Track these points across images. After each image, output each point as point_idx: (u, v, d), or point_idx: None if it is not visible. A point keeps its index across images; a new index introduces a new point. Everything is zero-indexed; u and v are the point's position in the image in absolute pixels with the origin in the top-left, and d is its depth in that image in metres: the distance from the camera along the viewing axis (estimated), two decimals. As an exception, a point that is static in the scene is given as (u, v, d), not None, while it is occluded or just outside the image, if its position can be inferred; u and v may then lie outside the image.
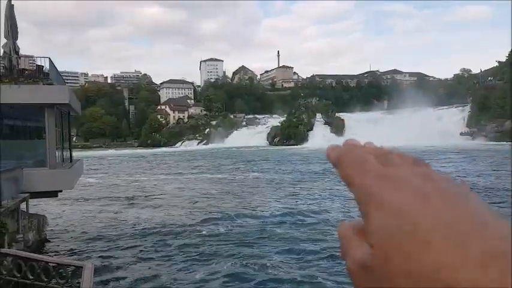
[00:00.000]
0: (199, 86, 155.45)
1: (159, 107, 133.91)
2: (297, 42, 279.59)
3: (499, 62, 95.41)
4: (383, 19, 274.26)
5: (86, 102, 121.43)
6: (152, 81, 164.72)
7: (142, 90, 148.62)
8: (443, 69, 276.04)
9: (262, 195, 16.64)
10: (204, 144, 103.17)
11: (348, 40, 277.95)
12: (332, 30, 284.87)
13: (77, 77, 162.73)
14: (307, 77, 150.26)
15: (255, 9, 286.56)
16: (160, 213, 13.35)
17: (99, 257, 8.74)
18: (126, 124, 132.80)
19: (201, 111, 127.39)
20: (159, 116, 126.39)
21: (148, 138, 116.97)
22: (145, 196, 17.35)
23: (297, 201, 14.59)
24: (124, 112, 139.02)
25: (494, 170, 23.61)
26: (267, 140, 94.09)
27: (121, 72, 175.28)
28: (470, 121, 78.72)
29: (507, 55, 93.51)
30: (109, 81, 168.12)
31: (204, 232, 10.53)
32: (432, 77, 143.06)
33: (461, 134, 75.97)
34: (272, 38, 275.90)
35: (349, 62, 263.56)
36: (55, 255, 8.56)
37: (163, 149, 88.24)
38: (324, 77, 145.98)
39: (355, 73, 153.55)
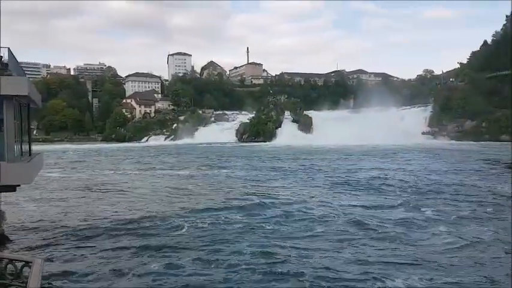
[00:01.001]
0: (166, 80, 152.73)
1: (124, 101, 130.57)
2: (267, 39, 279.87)
3: (460, 63, 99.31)
4: (352, 18, 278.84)
5: (48, 94, 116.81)
6: (117, 74, 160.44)
7: (106, 82, 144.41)
8: (407, 70, 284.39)
9: (230, 191, 16.57)
10: (171, 139, 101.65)
11: (317, 39, 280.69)
12: (302, 29, 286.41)
13: (39, 68, 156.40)
14: (276, 75, 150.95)
15: (226, 4, 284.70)
16: (124, 209, 13.04)
17: (56, 251, 8.44)
18: (90, 117, 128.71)
19: (169, 105, 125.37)
20: (124, 110, 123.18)
21: (113, 133, 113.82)
22: (110, 191, 16.90)
23: (266, 198, 14.60)
24: (87, 105, 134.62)
25: (458, 168, 24.53)
26: (236, 137, 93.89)
27: (84, 64, 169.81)
28: (432, 121, 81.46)
29: (468, 57, 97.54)
30: (72, 73, 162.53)
31: (168, 228, 10.36)
32: (396, 77, 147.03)
33: (423, 133, 78.49)
34: (242, 34, 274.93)
35: (318, 61, 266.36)
36: (11, 251, 8.19)
37: (129, 144, 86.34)
38: (292, 74, 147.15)
39: (323, 72, 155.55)
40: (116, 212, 12.46)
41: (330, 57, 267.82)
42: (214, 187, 17.83)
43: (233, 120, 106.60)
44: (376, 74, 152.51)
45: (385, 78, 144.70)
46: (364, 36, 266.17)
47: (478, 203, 13.02)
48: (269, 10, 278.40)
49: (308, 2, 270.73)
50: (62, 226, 10.64)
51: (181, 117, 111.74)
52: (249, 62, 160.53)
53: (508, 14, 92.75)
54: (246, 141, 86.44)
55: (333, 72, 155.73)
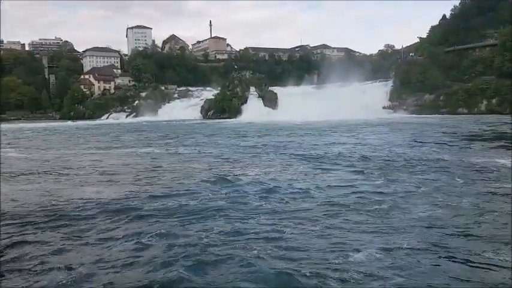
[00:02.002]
0: (126, 55, 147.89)
1: (82, 77, 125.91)
2: (230, 13, 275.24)
3: (420, 38, 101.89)
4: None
5: (1, 71, 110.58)
6: (74, 49, 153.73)
7: (63, 58, 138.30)
8: (369, 45, 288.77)
9: (199, 170, 16.32)
10: (133, 117, 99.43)
11: (281, 13, 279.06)
12: (265, 3, 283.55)
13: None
14: (240, 49, 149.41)
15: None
16: (90, 189, 12.54)
17: (16, 236, 8.00)
18: (46, 95, 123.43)
19: (129, 81, 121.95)
20: (82, 87, 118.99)
21: (71, 110, 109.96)
22: (73, 172, 16.23)
23: (235, 175, 14.49)
24: (43, 82, 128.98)
25: (416, 141, 25.34)
26: (201, 113, 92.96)
27: (40, 39, 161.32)
28: (393, 95, 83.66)
29: (427, 32, 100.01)
30: (27, 48, 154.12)
31: (138, 208, 10.05)
32: (358, 52, 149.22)
33: (384, 107, 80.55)
34: (204, 8, 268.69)
35: (282, 36, 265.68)
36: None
37: (88, 121, 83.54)
38: (257, 49, 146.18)
39: (288, 47, 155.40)
40: (82, 194, 11.96)
41: (294, 32, 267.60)
42: (182, 166, 17.51)
43: (197, 97, 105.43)
44: (339, 49, 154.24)
45: (348, 53, 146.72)
46: (327, 11, 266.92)
47: (448, 174, 13.50)
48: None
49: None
50: (24, 209, 10.09)
51: (143, 94, 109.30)
52: (213, 36, 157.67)
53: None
54: (211, 118, 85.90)
55: (297, 47, 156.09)
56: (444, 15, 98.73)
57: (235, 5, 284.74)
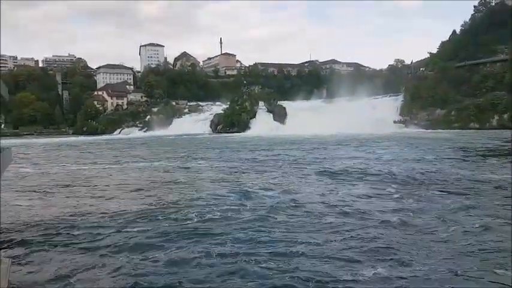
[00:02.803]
0: (139, 72, 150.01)
1: (95, 93, 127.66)
2: (240, 29, 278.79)
3: (430, 53, 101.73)
4: (323, 8, 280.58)
5: (15, 87, 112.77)
6: (88, 66, 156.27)
7: (77, 74, 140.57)
8: (379, 60, 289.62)
9: (210, 183, 16.40)
10: (144, 131, 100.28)
11: (290, 29, 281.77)
12: (274, 18, 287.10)
13: (5, 60, 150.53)
14: (249, 65, 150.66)
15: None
16: (104, 203, 12.68)
17: (28, 251, 8.10)
18: (60, 110, 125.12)
19: (141, 97, 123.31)
20: (95, 102, 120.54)
21: (84, 126, 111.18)
22: (89, 186, 16.44)
23: (245, 189, 14.51)
24: (57, 98, 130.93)
25: (432, 157, 25.05)
26: (211, 128, 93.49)
27: (53, 56, 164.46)
28: (403, 110, 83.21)
29: (438, 47, 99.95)
30: (40, 64, 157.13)
31: (149, 222, 10.14)
32: (368, 67, 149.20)
33: (394, 122, 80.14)
34: (215, 24, 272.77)
35: (291, 51, 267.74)
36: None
37: (101, 136, 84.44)
38: (266, 65, 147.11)
39: (296, 62, 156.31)
40: (96, 207, 12.10)
41: (303, 47, 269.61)
42: (193, 179, 17.61)
43: (207, 111, 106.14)
44: (349, 64, 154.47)
45: (357, 68, 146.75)
46: (336, 26, 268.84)
47: (463, 191, 13.39)
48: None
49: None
50: (37, 224, 10.21)
51: (155, 109, 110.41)
52: (223, 52, 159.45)
53: (476, 4, 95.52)
54: (221, 132, 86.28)
55: (306, 62, 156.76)
56: (454, 31, 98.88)
57: (245, 21, 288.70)
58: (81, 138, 76.97)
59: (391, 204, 11.52)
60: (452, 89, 78.23)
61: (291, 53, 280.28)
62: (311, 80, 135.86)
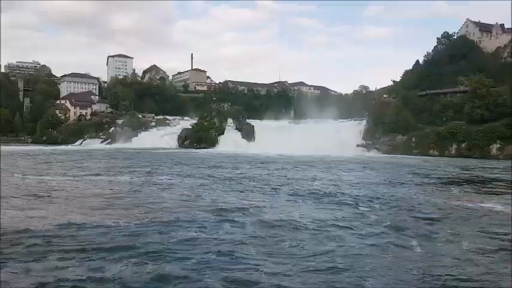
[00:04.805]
0: (105, 82, 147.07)
1: (58, 102, 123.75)
2: (212, 47, 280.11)
3: (393, 81, 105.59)
4: (295, 32, 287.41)
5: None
6: (52, 74, 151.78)
7: (40, 82, 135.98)
8: (344, 85, 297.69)
9: (174, 201, 16.00)
10: (108, 143, 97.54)
11: (261, 50, 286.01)
12: (246, 39, 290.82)
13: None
14: (220, 82, 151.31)
15: (171, 8, 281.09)
16: (61, 215, 12.06)
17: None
18: (20, 118, 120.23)
19: (106, 108, 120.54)
20: (57, 111, 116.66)
21: (44, 135, 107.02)
22: (45, 196, 15.63)
23: (210, 208, 14.25)
24: (18, 105, 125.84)
25: (394, 181, 25.66)
26: (177, 142, 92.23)
27: (17, 62, 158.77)
28: (366, 134, 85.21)
29: (401, 75, 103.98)
30: (3, 70, 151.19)
31: (103, 234, 9.71)
32: (334, 91, 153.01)
33: (357, 145, 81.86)
34: (187, 40, 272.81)
35: (261, 71, 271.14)
36: None
37: (62, 147, 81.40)
38: (236, 83, 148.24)
39: (266, 82, 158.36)
40: (58, 219, 11.49)
41: (273, 68, 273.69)
42: (157, 195, 17.14)
43: (175, 126, 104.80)
44: (316, 87, 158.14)
45: (324, 91, 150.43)
46: (305, 50, 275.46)
47: (430, 216, 13.70)
48: (214, 18, 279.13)
49: (253, 13, 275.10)
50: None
51: (120, 121, 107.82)
52: (193, 68, 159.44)
53: (439, 36, 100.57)
54: (188, 147, 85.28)
55: (275, 83, 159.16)
56: (417, 61, 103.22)
57: (218, 39, 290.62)
58: (42, 147, 73.84)
59: (361, 227, 11.57)
60: (413, 116, 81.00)
61: (261, 73, 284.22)
62: (280, 100, 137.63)
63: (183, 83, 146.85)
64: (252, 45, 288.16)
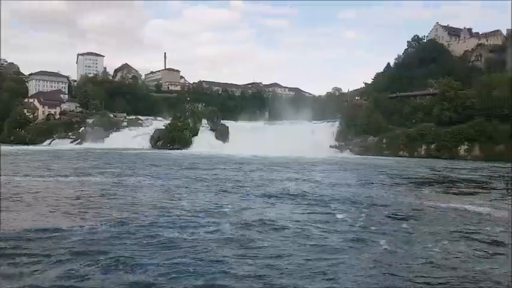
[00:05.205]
0: (75, 81, 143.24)
1: (26, 100, 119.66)
2: (187, 47, 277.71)
3: (365, 83, 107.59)
4: (270, 34, 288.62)
5: None
6: (20, 72, 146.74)
7: (7, 80, 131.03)
8: (318, 87, 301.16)
9: (147, 202, 15.69)
10: (77, 143, 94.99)
11: (236, 50, 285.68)
12: (222, 39, 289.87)
13: None
14: (194, 82, 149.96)
15: (145, 7, 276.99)
16: (29, 218, 11.60)
17: None
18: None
19: (76, 107, 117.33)
20: (25, 110, 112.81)
21: (12, 134, 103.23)
22: (13, 198, 15.02)
23: (182, 207, 14.05)
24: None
25: (367, 181, 26.06)
26: (150, 143, 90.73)
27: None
28: (339, 136, 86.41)
29: (373, 78, 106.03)
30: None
31: (72, 238, 9.41)
32: (308, 92, 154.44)
33: (330, 146, 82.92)
34: (160, 39, 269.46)
35: (236, 72, 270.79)
36: None
37: (30, 147, 78.74)
38: (210, 83, 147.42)
39: (241, 83, 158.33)
40: (25, 220, 11.04)
41: (248, 69, 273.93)
42: (129, 197, 16.76)
43: (147, 126, 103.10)
44: (290, 89, 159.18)
45: (298, 92, 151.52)
46: (280, 51, 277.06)
47: (405, 216, 13.89)
48: (189, 17, 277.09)
49: (229, 13, 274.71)
50: None
51: (90, 121, 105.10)
52: (167, 67, 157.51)
53: (410, 40, 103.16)
54: (161, 148, 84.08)
55: (250, 84, 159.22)
56: (388, 64, 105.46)
57: (191, 39, 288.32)
58: (8, 147, 71.16)
59: (335, 227, 11.63)
60: (384, 118, 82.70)
61: (237, 73, 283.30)
62: (254, 101, 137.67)
63: (155, 83, 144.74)
64: (228, 46, 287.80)
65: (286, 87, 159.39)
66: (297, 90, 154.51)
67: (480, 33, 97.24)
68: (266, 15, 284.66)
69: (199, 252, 8.71)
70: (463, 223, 12.77)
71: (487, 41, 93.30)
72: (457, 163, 52.09)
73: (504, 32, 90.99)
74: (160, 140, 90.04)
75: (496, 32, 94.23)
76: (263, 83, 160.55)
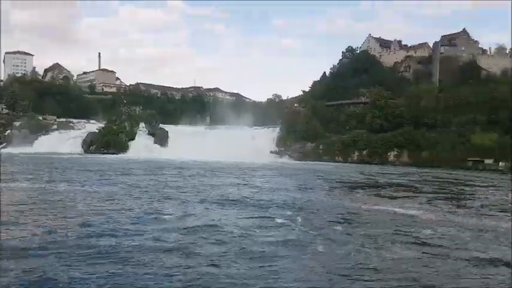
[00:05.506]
0: (1, 81, 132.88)
1: None
2: (123, 47, 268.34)
3: (303, 91, 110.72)
4: (209, 37, 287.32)
5: None
6: None
7: None
8: (259, 93, 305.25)
9: (77, 208, 14.87)
10: (3, 147, 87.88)
11: (175, 52, 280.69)
12: (160, 41, 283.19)
13: None
14: (131, 84, 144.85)
15: (79, 5, 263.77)
16: None
17: None
18: None
19: (2, 109, 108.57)
20: None
21: None
22: None
23: (119, 214, 13.50)
24: None
25: (307, 186, 26.71)
26: (82, 147, 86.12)
27: None
28: (279, 141, 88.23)
29: (310, 86, 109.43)
30: None
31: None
32: (249, 98, 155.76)
33: (271, 152, 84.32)
34: (95, 39, 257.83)
35: (176, 75, 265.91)
36: None
37: None
38: (148, 86, 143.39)
39: (181, 86, 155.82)
40: None
41: (187, 72, 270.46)
42: (60, 203, 15.78)
43: (80, 129, 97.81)
44: (231, 94, 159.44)
45: (239, 98, 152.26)
46: (221, 56, 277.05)
47: (338, 217, 14.25)
48: (125, 17, 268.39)
49: (167, 14, 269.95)
50: None
51: (17, 123, 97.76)
52: (101, 68, 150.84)
53: (344, 50, 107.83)
54: (94, 153, 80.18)
55: (191, 87, 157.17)
56: (324, 73, 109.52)
57: (128, 39, 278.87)
58: None
59: (275, 231, 11.75)
60: (322, 125, 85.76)
61: (175, 77, 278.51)
62: (195, 105, 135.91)
63: (89, 84, 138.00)
64: (166, 48, 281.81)
65: (227, 92, 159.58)
66: (237, 95, 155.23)
67: (409, 45, 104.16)
68: (205, 17, 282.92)
69: (139, 263, 8.37)
70: (395, 225, 13.49)
71: (415, 53, 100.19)
72: (387, 168, 55.20)
73: (431, 45, 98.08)
74: (94, 144, 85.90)
75: (423, 45, 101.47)
76: (204, 87, 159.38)
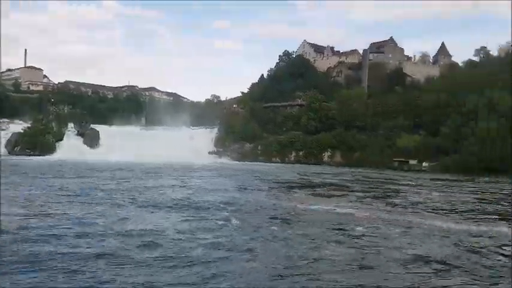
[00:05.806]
0: None
1: None
2: (51, 44, 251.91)
3: (242, 92, 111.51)
4: (145, 37, 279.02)
5: None
6: None
7: None
8: (197, 93, 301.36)
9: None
10: None
11: (108, 51, 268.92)
12: (92, 38, 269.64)
13: None
14: (59, 82, 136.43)
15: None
16: None
17: None
18: None
19: None
20: None
21: None
22: None
23: (45, 220, 12.65)
24: None
25: (246, 187, 26.81)
26: (6, 148, 79.77)
27: None
28: (218, 142, 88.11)
29: (248, 87, 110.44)
30: None
31: None
32: (186, 98, 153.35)
33: (209, 153, 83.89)
34: (21, 35, 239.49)
35: (108, 74, 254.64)
36: None
37: None
38: (78, 84, 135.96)
39: (114, 85, 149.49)
40: None
41: (120, 71, 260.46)
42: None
43: (3, 130, 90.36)
44: (168, 94, 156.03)
45: (176, 98, 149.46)
46: (156, 56, 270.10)
47: (277, 216, 14.37)
48: (55, 13, 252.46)
49: (100, 12, 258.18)
50: None
51: None
52: (27, 65, 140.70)
53: (281, 54, 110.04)
54: (19, 154, 74.71)
55: (124, 86, 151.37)
56: (262, 75, 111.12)
57: (57, 36, 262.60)
58: None
59: (216, 232, 11.62)
60: (260, 126, 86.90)
61: (107, 75, 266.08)
62: (130, 105, 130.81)
63: (13, 81, 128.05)
64: (98, 46, 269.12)
65: (164, 92, 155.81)
66: (175, 95, 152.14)
67: (341, 51, 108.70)
68: (140, 17, 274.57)
69: (68, 270, 7.82)
70: (330, 223, 13.93)
71: (346, 59, 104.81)
72: (322, 168, 57.15)
73: (361, 52, 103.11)
74: (18, 145, 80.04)
75: (354, 52, 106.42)
76: (139, 86, 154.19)
